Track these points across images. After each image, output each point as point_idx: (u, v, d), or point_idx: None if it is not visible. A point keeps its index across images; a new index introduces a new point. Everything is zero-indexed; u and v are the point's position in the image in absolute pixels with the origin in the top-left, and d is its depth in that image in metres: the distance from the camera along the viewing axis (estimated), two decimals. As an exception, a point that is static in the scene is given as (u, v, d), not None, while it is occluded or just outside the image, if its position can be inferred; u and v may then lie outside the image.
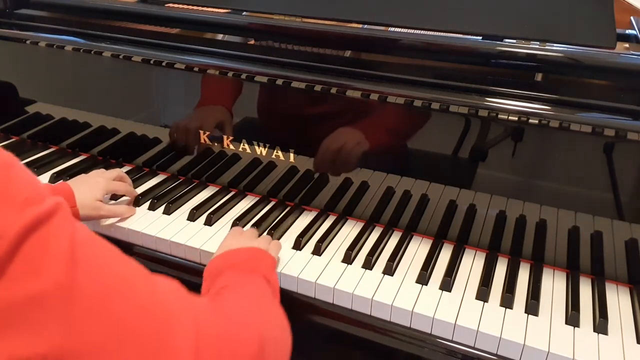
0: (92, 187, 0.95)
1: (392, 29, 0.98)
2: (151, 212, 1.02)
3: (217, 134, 1.05)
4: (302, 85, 0.94)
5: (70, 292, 0.43)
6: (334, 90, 0.92)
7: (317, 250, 0.91)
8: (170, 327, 0.48)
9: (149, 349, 0.46)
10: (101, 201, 0.95)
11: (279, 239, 0.95)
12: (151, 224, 0.97)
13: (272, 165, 1.03)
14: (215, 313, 0.56)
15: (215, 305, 0.60)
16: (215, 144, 1.06)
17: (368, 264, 0.88)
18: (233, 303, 0.63)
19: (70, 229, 0.46)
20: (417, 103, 0.87)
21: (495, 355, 0.77)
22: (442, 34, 0.92)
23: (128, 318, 0.46)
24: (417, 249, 0.94)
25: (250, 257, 0.79)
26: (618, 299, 0.85)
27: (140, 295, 0.48)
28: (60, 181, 1.07)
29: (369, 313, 0.83)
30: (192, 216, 0.99)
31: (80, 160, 1.20)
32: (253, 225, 0.96)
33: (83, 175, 1.01)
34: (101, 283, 0.46)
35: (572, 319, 0.79)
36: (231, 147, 1.05)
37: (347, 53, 0.99)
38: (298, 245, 0.93)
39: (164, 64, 1.04)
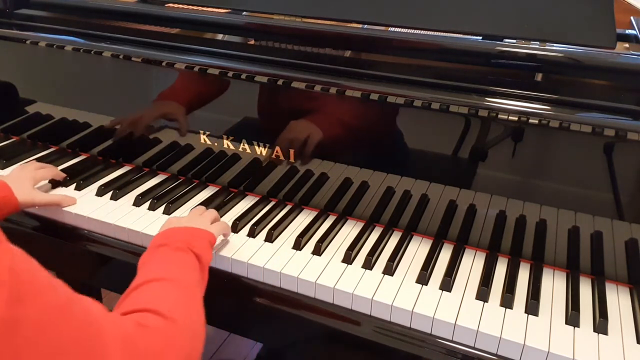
0: (20, 179, 1.00)
1: (392, 29, 0.98)
2: (151, 212, 1.02)
3: (162, 122, 1.08)
4: (302, 85, 0.94)
5: (12, 325, 0.45)
6: (333, 90, 0.92)
7: (317, 250, 0.91)
8: (104, 342, 0.53)
9: None
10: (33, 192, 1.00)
11: (276, 238, 0.95)
12: (151, 224, 0.97)
13: (272, 165, 1.03)
14: (139, 331, 0.59)
15: (138, 322, 0.62)
16: (215, 144, 1.06)
17: (368, 264, 0.88)
18: (154, 315, 0.64)
19: (9, 260, 0.47)
20: (417, 103, 0.87)
21: (495, 355, 0.77)
22: (442, 34, 0.92)
23: (68, 342, 0.50)
24: (417, 249, 0.94)
25: (186, 236, 0.81)
26: (618, 299, 0.85)
27: (76, 319, 0.51)
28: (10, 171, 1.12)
29: (369, 313, 0.83)
30: (192, 216, 0.99)
31: (80, 160, 1.20)
32: (253, 225, 0.96)
33: (13, 170, 1.06)
34: (42, 313, 0.48)
35: (572, 319, 0.79)
36: (231, 147, 1.05)
37: (347, 53, 0.99)
38: (298, 245, 0.93)
39: (164, 64, 1.04)
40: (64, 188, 1.08)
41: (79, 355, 0.50)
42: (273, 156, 1.02)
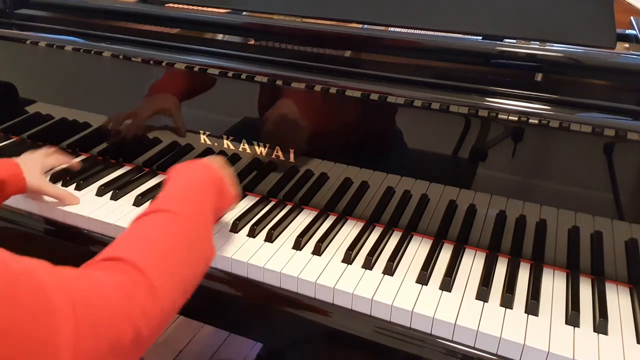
0: (32, 162, 1.01)
1: (392, 29, 0.98)
2: (151, 212, 1.02)
3: (162, 122, 1.08)
4: (302, 85, 0.94)
5: None
6: (333, 90, 0.92)
7: (317, 250, 0.91)
8: (52, 311, 0.49)
9: (33, 334, 0.47)
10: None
11: (276, 238, 0.95)
12: (151, 224, 0.97)
13: (272, 165, 1.03)
14: (89, 288, 0.55)
15: (93, 277, 0.57)
16: (215, 144, 1.06)
17: (368, 264, 0.88)
18: (129, 267, 0.58)
19: None
20: (417, 103, 0.87)
21: (495, 355, 0.77)
22: (442, 34, 0.92)
23: (15, 316, 0.46)
24: (417, 249, 0.94)
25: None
26: (618, 299, 0.85)
27: (22, 292, 0.48)
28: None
29: (369, 313, 0.83)
30: (192, 216, 0.99)
31: (80, 160, 1.20)
32: (253, 225, 0.96)
33: (23, 154, 1.05)
34: None
35: (572, 319, 0.79)
36: (231, 147, 1.05)
37: (347, 53, 0.99)
38: (298, 245, 0.93)
39: (164, 64, 1.04)
40: (64, 188, 1.08)
41: (24, 335, 0.47)
42: (273, 156, 1.02)
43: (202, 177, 0.80)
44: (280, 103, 0.99)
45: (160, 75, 1.07)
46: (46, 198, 1.03)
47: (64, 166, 1.12)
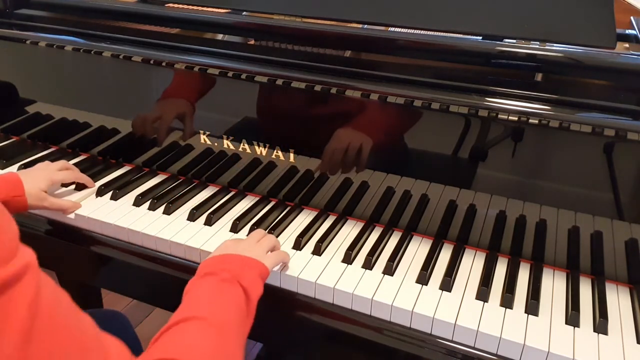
0: (37, 178, 0.98)
1: (392, 29, 0.98)
2: (151, 212, 1.02)
3: (177, 125, 1.07)
4: (302, 85, 0.94)
5: None
6: (334, 90, 0.92)
7: (317, 250, 0.91)
8: None
9: None
10: (46, 192, 0.98)
11: (277, 237, 0.95)
12: (151, 224, 0.97)
13: (272, 165, 1.03)
14: None
15: None
16: (215, 144, 1.06)
17: (368, 264, 0.88)
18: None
19: (31, 295, 0.45)
20: (417, 103, 0.87)
21: (495, 355, 0.77)
22: (442, 34, 0.92)
23: None
24: (417, 249, 0.94)
25: (236, 266, 0.76)
26: (618, 299, 0.85)
27: None
28: (9, 171, 1.13)
29: (369, 313, 0.83)
30: (192, 216, 0.99)
31: (80, 160, 1.20)
32: (253, 225, 0.96)
33: (30, 167, 1.04)
34: (54, 356, 0.46)
35: (572, 319, 0.79)
36: (231, 147, 1.05)
37: (347, 53, 0.99)
38: (298, 245, 0.93)
39: (164, 64, 1.04)
40: (64, 188, 1.08)
41: None
42: (273, 156, 1.02)
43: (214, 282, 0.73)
44: (282, 102, 0.99)
45: (160, 76, 1.07)
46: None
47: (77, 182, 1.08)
